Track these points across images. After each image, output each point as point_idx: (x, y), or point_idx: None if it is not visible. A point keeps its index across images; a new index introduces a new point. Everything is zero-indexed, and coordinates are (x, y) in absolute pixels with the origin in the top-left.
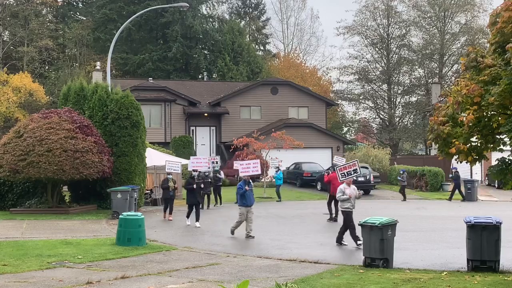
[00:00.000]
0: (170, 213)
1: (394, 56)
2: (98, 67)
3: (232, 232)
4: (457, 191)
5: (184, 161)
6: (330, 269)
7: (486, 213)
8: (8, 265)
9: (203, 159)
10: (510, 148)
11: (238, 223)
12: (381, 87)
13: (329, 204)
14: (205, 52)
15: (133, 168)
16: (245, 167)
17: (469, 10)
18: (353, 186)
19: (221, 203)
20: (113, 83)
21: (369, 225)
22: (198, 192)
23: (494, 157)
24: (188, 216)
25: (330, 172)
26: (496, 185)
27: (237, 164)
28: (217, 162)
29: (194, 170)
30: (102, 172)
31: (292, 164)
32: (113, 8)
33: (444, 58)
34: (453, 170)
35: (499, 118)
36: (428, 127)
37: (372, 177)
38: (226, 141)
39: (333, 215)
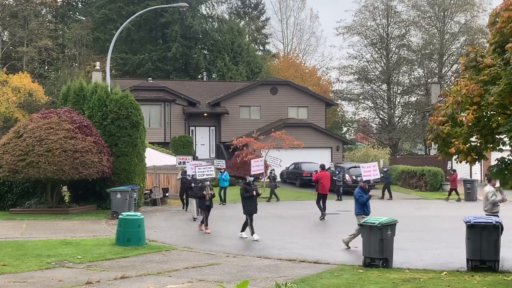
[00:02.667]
0: (206, 224)
1: (393, 56)
2: (97, 67)
3: (347, 245)
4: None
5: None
6: (329, 269)
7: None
8: (8, 265)
9: (260, 161)
10: (510, 148)
11: (355, 236)
12: (380, 87)
13: (318, 203)
14: (205, 52)
15: (133, 168)
16: (367, 170)
17: (468, 10)
18: None
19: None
20: (113, 83)
21: (368, 225)
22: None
23: (494, 157)
24: (244, 229)
25: (319, 171)
26: None
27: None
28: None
29: (249, 175)
30: (101, 172)
31: (292, 164)
32: (113, 8)
33: (444, 58)
34: (384, 169)
35: (499, 118)
36: (428, 127)
37: None
38: (226, 141)
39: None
